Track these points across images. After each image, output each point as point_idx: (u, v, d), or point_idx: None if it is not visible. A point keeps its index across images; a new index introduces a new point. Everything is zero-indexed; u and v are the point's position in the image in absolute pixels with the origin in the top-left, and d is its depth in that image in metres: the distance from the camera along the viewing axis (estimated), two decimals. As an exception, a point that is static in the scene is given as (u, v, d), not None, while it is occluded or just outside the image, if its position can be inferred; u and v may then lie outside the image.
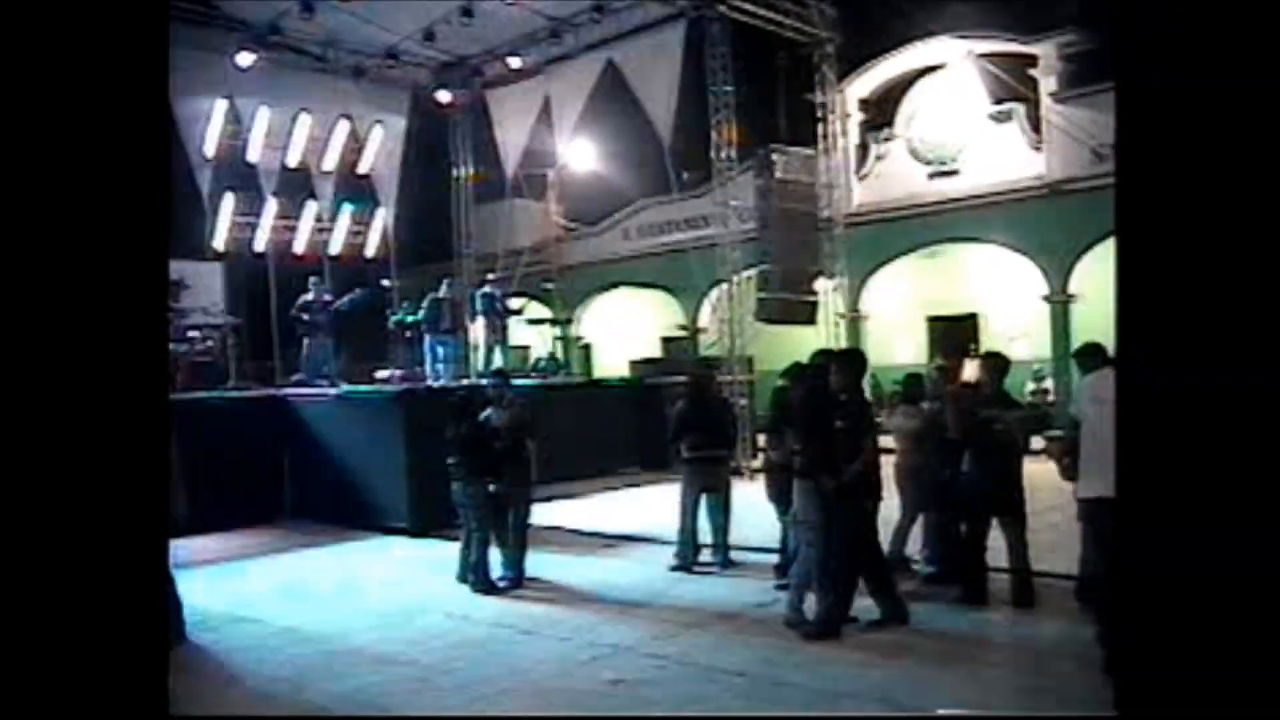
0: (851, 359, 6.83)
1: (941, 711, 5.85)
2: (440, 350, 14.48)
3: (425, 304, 14.48)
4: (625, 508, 11.85)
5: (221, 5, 15.19)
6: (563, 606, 7.39)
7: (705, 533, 8.34)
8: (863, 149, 20.13)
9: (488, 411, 8.16)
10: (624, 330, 23.81)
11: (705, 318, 21.48)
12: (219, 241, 16.45)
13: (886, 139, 19.87)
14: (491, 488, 7.91)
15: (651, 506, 11.12)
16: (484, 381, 14.45)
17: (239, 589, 8.35)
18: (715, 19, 15.00)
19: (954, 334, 19.32)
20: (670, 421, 8.55)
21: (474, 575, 7.89)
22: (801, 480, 6.32)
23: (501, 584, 7.91)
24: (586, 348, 24.82)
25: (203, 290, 15.06)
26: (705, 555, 8.37)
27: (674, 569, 8.26)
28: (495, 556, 8.00)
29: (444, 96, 18.45)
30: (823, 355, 7.13)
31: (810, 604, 6.25)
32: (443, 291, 14.58)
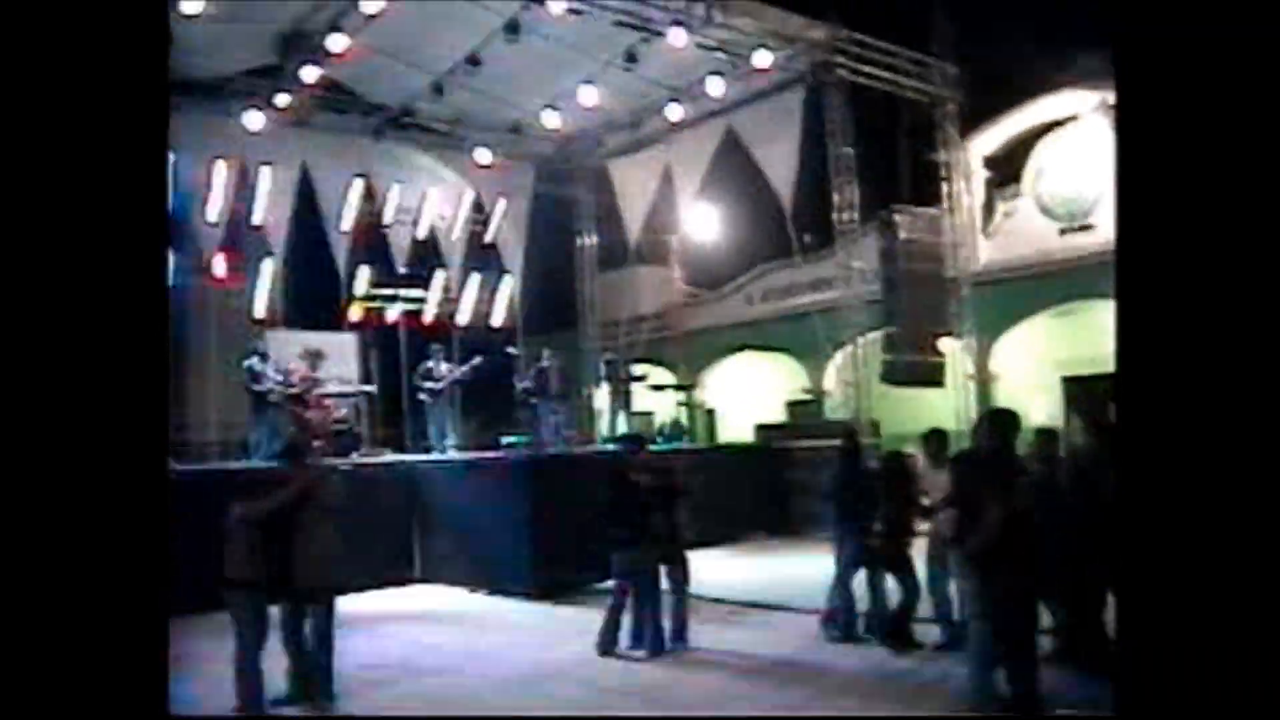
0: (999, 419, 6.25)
1: (941, 712, 5.52)
2: (551, 417, 14.67)
3: (532, 372, 14.76)
4: (752, 573, 11.65)
5: (360, 91, 15.95)
6: (709, 672, 7.26)
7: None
8: (988, 207, 19.68)
9: (640, 477, 8.05)
10: (748, 395, 23.63)
11: (830, 381, 21.18)
12: (354, 313, 17.08)
13: (1014, 195, 19.37)
14: (651, 554, 7.78)
15: (780, 573, 10.91)
16: (610, 447, 14.63)
17: (372, 650, 8.35)
18: (834, 83, 15.02)
19: (1092, 394, 18.53)
20: (827, 485, 8.35)
21: (647, 641, 7.72)
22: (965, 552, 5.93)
23: (643, 651, 7.75)
24: (710, 413, 24.70)
25: (338, 360, 15.63)
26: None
27: (832, 638, 7.99)
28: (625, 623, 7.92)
29: (567, 167, 18.90)
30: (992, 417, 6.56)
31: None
32: (544, 361, 14.81)
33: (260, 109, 15.06)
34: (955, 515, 5.94)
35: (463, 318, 18.20)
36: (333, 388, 14.34)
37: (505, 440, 14.95)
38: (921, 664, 7.12)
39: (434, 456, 13.66)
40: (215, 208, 15.13)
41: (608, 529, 7.92)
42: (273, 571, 6.33)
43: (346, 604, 10.37)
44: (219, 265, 15.43)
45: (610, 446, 14.71)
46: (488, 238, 18.55)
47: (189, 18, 12.16)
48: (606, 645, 7.86)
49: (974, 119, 18.79)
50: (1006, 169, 19.62)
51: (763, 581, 10.94)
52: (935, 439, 7.66)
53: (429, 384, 14.53)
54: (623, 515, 7.83)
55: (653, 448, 13.31)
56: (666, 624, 7.87)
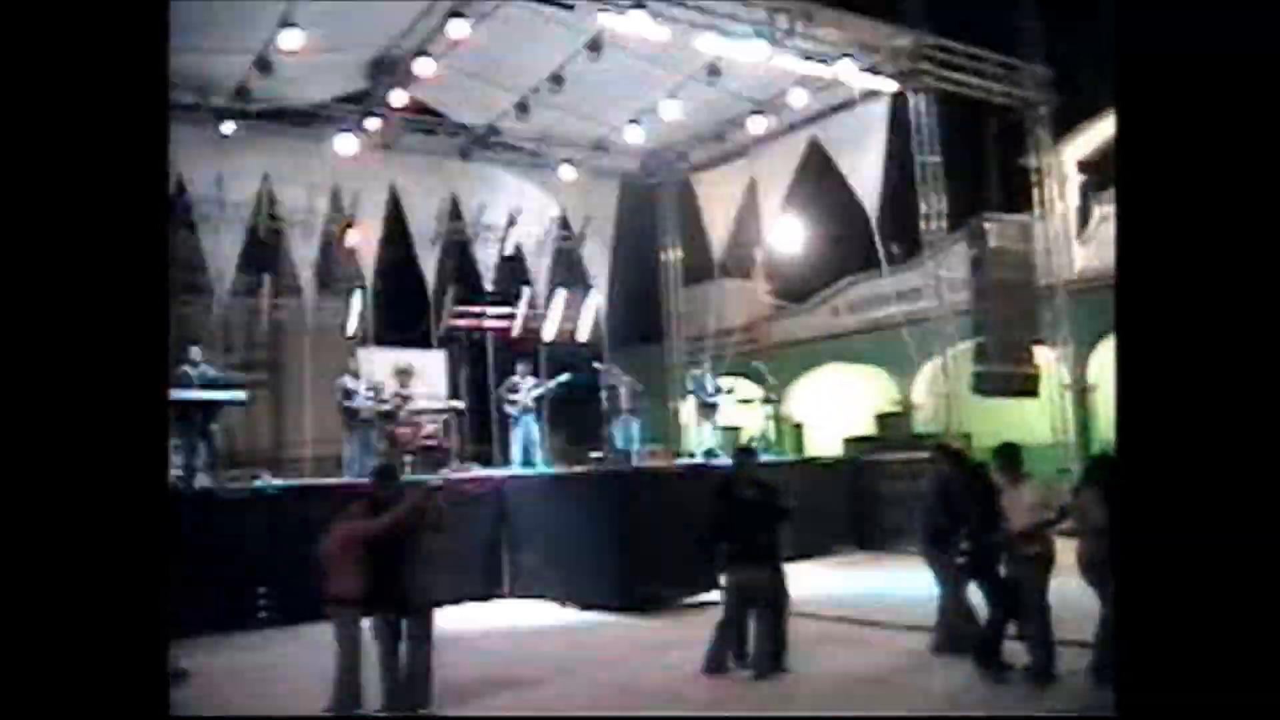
0: None
1: (940, 712, 5.36)
2: (624, 433, 14.79)
3: (604, 389, 14.90)
4: (842, 588, 11.49)
5: (446, 113, 16.25)
6: (818, 692, 7.16)
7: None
8: (1084, 212, 19.17)
9: (750, 491, 7.87)
10: (835, 408, 23.36)
11: (919, 393, 20.83)
12: (442, 330, 17.37)
13: (1110, 200, 18.85)
14: (763, 570, 7.63)
15: (871, 587, 10.73)
16: (697, 460, 14.60)
17: (467, 664, 8.20)
18: (920, 91, 14.81)
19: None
20: (928, 498, 8.05)
21: (757, 660, 7.56)
22: None
23: (751, 671, 7.57)
24: (797, 426, 24.48)
25: (428, 377, 15.89)
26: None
27: (936, 650, 7.78)
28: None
29: (651, 182, 18.96)
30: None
31: None
32: (611, 377, 14.98)
33: (351, 133, 15.46)
34: None
35: (549, 333, 18.35)
36: (423, 404, 14.56)
37: (593, 455, 15.02)
38: (1016, 686, 6.87)
39: (522, 471, 13.77)
40: (308, 230, 15.52)
41: (716, 543, 7.69)
42: (380, 587, 6.44)
43: (438, 618, 10.54)
44: (312, 285, 15.80)
45: (697, 460, 14.72)
46: (573, 254, 18.70)
47: (289, 53, 12.60)
48: (716, 664, 7.60)
49: (1067, 122, 18.32)
50: (1102, 173, 19.09)
51: (853, 596, 10.79)
52: (1007, 454, 7.30)
53: (516, 399, 14.69)
54: (735, 530, 7.59)
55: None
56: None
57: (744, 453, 8.70)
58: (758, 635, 7.60)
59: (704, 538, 7.80)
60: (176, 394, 12.05)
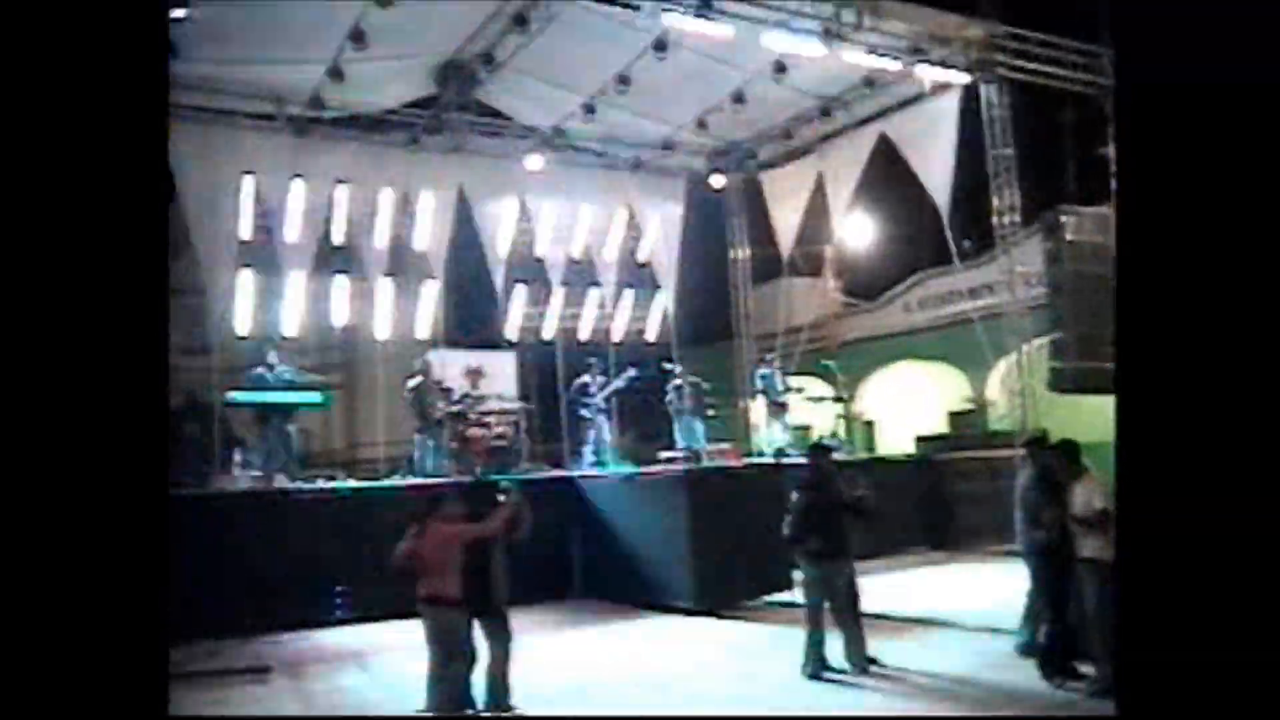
0: None
1: (940, 712, 5.20)
2: (684, 432, 14.87)
3: (670, 389, 15.03)
4: (914, 588, 11.34)
5: (513, 115, 16.37)
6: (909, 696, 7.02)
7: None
8: (1164, 203, 18.65)
9: (835, 487, 7.80)
10: (907, 406, 23.07)
11: (994, 390, 20.46)
12: (512, 331, 17.50)
13: (1191, 191, 18.33)
14: (849, 566, 7.60)
15: (944, 587, 10.56)
16: (763, 460, 14.51)
17: (544, 664, 8.20)
18: (992, 82, 14.54)
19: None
20: (1026, 493, 7.55)
21: (855, 658, 7.52)
22: None
23: (854, 670, 7.50)
24: (869, 424, 24.23)
25: (498, 377, 16.02)
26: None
27: (1022, 651, 7.57)
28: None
29: (718, 181, 18.89)
30: None
31: None
32: (676, 377, 15.14)
33: (419, 138, 15.62)
34: None
35: (617, 333, 18.38)
36: (493, 405, 14.68)
37: (662, 454, 15.01)
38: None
39: (592, 471, 13.82)
40: (380, 234, 15.75)
41: (807, 538, 7.58)
42: (472, 588, 6.52)
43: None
44: (385, 288, 16.02)
45: (767, 459, 14.62)
46: (641, 253, 18.70)
47: (360, 61, 12.84)
48: (817, 668, 7.50)
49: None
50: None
51: (926, 597, 10.63)
52: (1065, 449, 7.05)
53: (585, 399, 14.75)
54: (823, 525, 7.51)
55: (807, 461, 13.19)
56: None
57: (822, 450, 8.60)
58: (846, 633, 7.55)
59: (796, 534, 7.63)
60: (255, 397, 12.34)
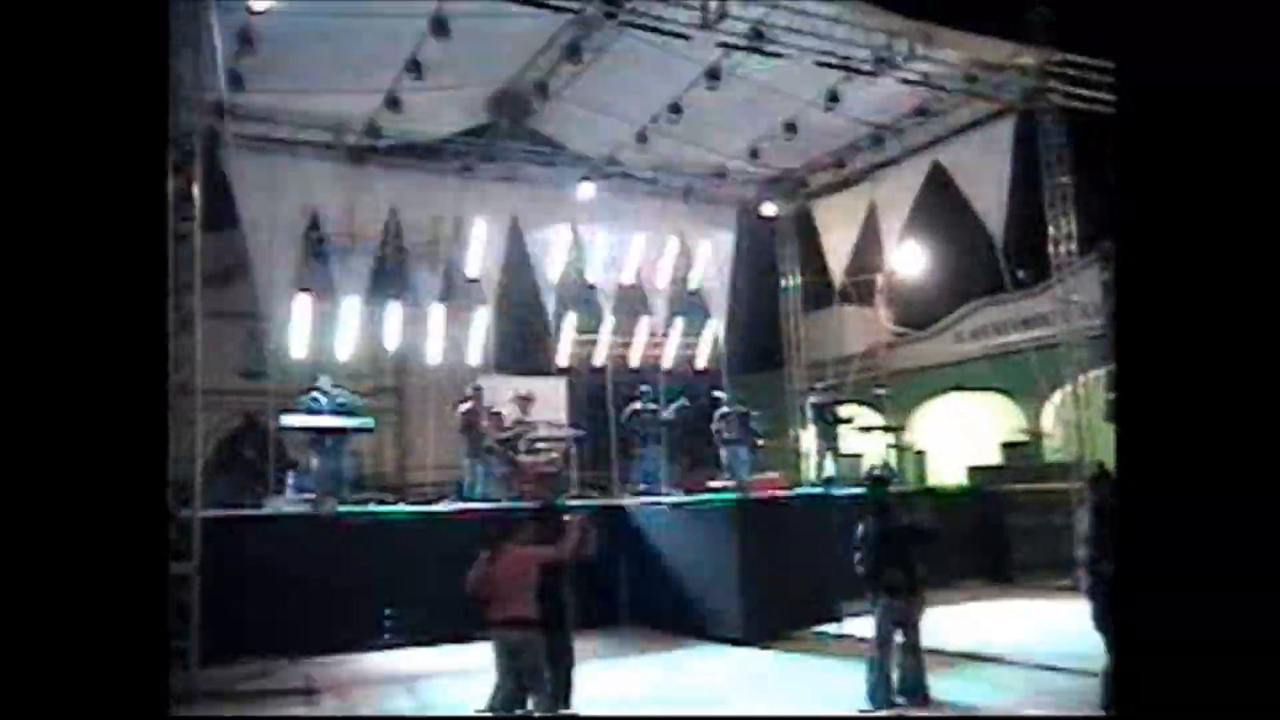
0: None
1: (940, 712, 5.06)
2: (736, 462, 14.86)
3: (717, 418, 15.01)
4: (967, 623, 11.12)
5: (566, 144, 16.52)
6: None
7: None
8: (1225, 233, 18.31)
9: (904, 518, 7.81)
10: (959, 436, 22.75)
11: (1048, 422, 20.13)
12: (562, 358, 17.59)
13: (1253, 220, 17.99)
14: (920, 598, 7.52)
15: (998, 622, 10.36)
16: (813, 490, 14.40)
17: (598, 692, 8.00)
18: (1048, 109, 14.40)
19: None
20: (1091, 528, 7.45)
21: (914, 686, 7.47)
22: None
23: (915, 701, 7.42)
24: (920, 454, 23.93)
25: (548, 404, 16.08)
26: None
27: None
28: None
29: (770, 209, 18.89)
30: None
31: None
32: (724, 406, 15.17)
33: (473, 166, 15.81)
34: None
35: (667, 361, 18.38)
36: (543, 431, 14.73)
37: (711, 483, 14.95)
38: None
39: (642, 500, 13.79)
40: (435, 261, 15.95)
41: (881, 570, 7.49)
42: (548, 610, 6.62)
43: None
44: (437, 314, 16.19)
45: (817, 488, 14.51)
46: (692, 282, 18.73)
47: (416, 90, 13.06)
48: (882, 699, 7.39)
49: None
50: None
51: (980, 631, 10.43)
52: (1103, 481, 6.95)
53: (635, 427, 14.78)
54: (893, 557, 7.43)
55: (858, 491, 13.06)
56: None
57: (880, 481, 8.55)
58: (906, 662, 7.46)
59: (872, 568, 7.51)
60: (309, 421, 12.49)
